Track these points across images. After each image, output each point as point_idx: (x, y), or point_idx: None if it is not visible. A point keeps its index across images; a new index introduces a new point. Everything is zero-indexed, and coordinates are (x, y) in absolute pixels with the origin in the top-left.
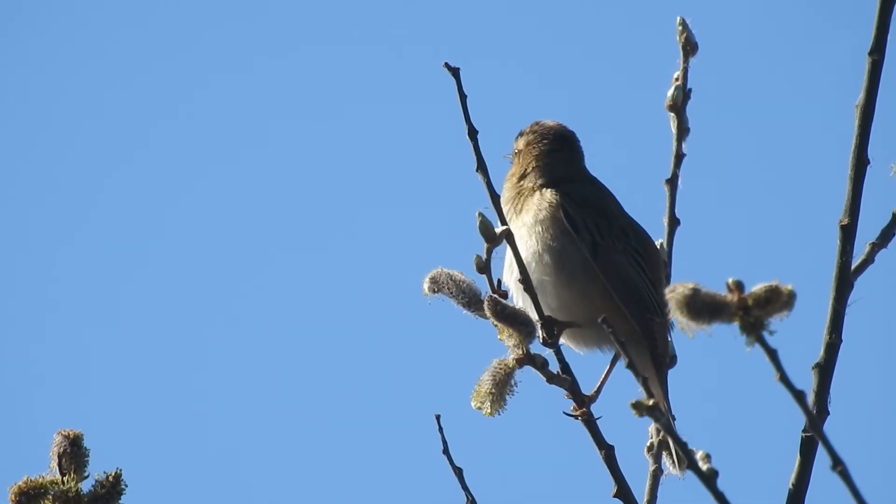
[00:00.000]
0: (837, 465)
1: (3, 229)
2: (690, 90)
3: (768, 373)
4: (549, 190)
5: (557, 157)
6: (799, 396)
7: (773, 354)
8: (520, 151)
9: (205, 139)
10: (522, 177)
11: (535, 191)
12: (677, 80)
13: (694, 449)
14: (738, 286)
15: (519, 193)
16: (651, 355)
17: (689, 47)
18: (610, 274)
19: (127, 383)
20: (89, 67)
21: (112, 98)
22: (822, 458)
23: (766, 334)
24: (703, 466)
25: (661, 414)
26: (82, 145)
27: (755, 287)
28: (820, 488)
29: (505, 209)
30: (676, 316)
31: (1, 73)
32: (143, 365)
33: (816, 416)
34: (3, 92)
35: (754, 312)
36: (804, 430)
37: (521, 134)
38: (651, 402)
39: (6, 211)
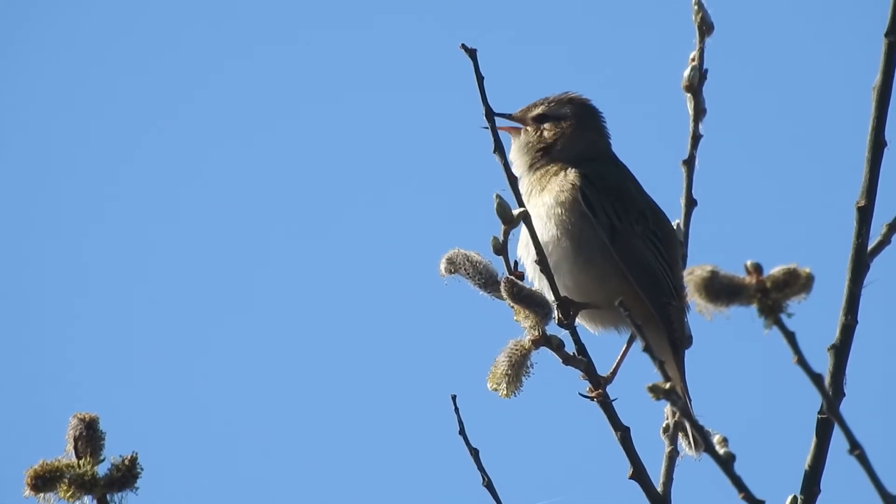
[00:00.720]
0: (855, 448)
1: (12, 228)
2: (707, 71)
3: (782, 355)
4: (573, 170)
5: (588, 135)
6: (817, 379)
7: (791, 337)
8: (551, 124)
9: (212, 128)
10: (550, 152)
11: (561, 170)
12: (693, 60)
13: (711, 430)
14: (757, 268)
15: (547, 171)
16: (668, 338)
17: (705, 27)
18: (627, 258)
19: (144, 368)
20: (88, 65)
21: (111, 98)
22: (837, 440)
23: (783, 317)
24: (721, 450)
25: (677, 397)
26: (83, 143)
27: (773, 269)
28: (836, 470)
29: (528, 186)
30: (694, 298)
31: (5, 71)
32: (160, 349)
33: (832, 398)
34: (4, 91)
35: (772, 295)
36: (820, 413)
37: (546, 104)
38: (668, 385)
39: (17, 209)
